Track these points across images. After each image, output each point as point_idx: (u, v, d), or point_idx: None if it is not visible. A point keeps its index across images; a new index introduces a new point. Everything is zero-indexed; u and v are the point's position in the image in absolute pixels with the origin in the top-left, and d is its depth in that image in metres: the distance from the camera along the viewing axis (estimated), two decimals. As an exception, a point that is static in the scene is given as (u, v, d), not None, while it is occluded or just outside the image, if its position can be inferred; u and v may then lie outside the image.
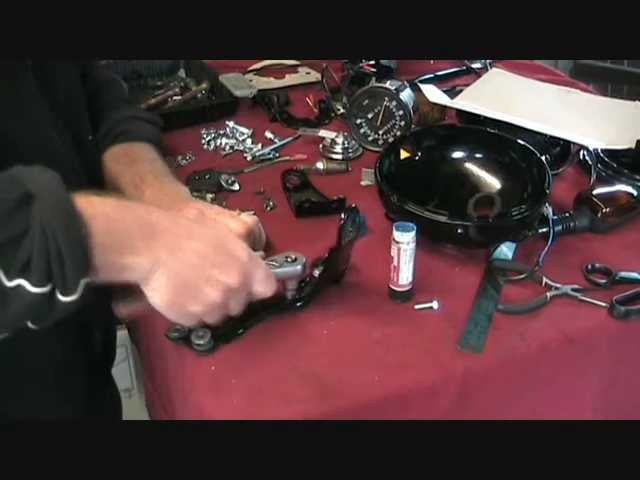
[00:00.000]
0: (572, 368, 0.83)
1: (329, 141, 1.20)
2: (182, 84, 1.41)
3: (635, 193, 1.01)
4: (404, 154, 1.03)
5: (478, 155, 1.05)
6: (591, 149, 1.12)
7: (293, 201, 1.04)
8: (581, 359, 0.84)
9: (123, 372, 1.28)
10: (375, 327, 0.81)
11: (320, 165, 1.13)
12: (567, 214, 0.98)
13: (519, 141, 1.02)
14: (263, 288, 0.73)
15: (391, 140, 1.18)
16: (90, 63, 0.99)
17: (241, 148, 1.22)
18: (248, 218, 0.86)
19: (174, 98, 1.37)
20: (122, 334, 1.10)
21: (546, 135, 1.11)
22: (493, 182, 1.02)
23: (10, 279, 0.56)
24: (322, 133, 1.24)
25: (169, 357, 0.82)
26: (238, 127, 1.27)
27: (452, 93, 1.35)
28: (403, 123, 1.20)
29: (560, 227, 0.96)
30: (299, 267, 0.80)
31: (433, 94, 1.26)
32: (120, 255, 0.62)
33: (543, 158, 0.98)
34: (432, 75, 1.48)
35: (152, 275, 0.64)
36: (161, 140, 0.99)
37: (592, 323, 0.83)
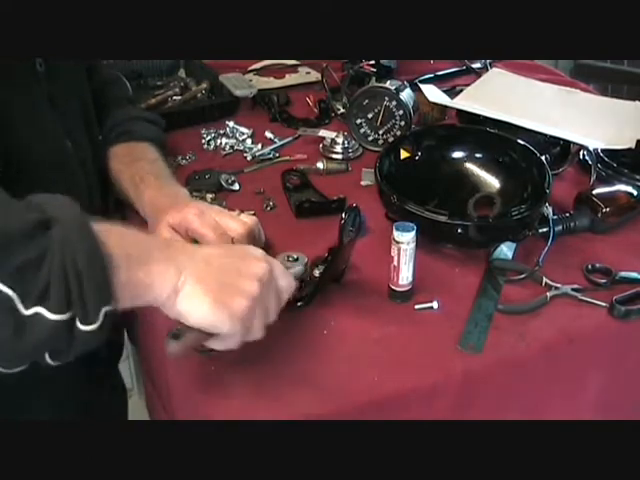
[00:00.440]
0: (572, 368, 0.83)
1: (329, 141, 1.20)
2: (182, 84, 1.41)
3: (635, 193, 1.01)
4: (404, 154, 1.03)
5: (478, 155, 1.05)
6: (591, 149, 1.12)
7: (293, 201, 1.04)
8: (581, 359, 0.84)
9: (123, 372, 1.28)
10: (375, 327, 0.81)
11: (320, 165, 1.13)
12: (567, 214, 0.98)
13: (519, 141, 1.02)
14: (286, 282, 0.71)
15: (391, 140, 1.18)
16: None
17: (241, 148, 1.22)
18: (248, 218, 0.87)
19: (174, 98, 1.37)
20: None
21: (546, 135, 1.11)
22: (493, 182, 1.02)
23: (27, 307, 0.52)
24: (322, 133, 1.24)
25: (168, 358, 0.82)
26: (238, 127, 1.27)
27: (452, 93, 1.35)
28: (403, 123, 1.20)
29: (560, 227, 0.96)
30: (301, 267, 0.80)
31: (433, 94, 1.26)
32: (144, 269, 0.59)
33: (543, 158, 0.98)
34: (432, 75, 1.48)
35: (181, 284, 0.61)
36: (163, 140, 1.00)
37: (592, 323, 0.83)
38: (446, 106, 1.26)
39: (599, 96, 1.38)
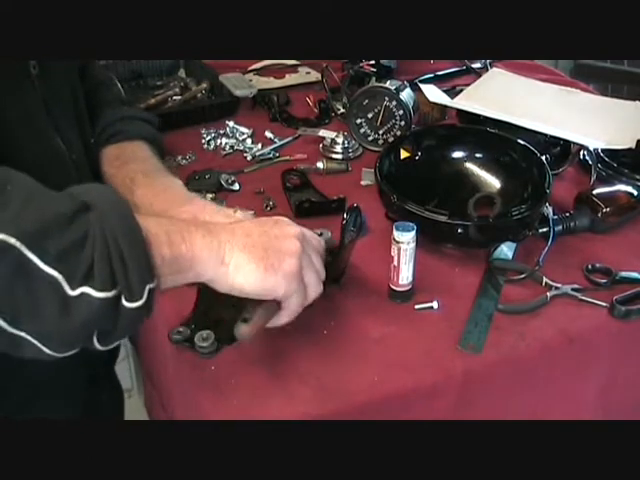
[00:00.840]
0: (572, 368, 0.83)
1: (329, 141, 1.20)
2: (182, 84, 1.41)
3: (635, 193, 1.01)
4: (404, 154, 1.03)
5: (478, 155, 1.05)
6: (591, 149, 1.12)
7: (293, 201, 1.04)
8: (581, 359, 0.84)
9: (123, 372, 1.28)
10: (375, 327, 0.81)
11: (320, 165, 1.13)
12: (567, 214, 0.98)
13: (519, 141, 1.02)
14: (317, 241, 0.73)
15: (391, 140, 1.18)
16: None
17: (241, 148, 1.22)
18: (242, 214, 0.86)
19: (174, 98, 1.37)
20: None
21: (546, 135, 1.11)
22: (493, 182, 1.02)
23: (73, 288, 0.54)
24: (322, 133, 1.24)
25: (169, 357, 0.82)
26: (238, 127, 1.27)
27: (452, 93, 1.35)
28: (403, 123, 1.20)
29: (560, 227, 0.96)
30: (329, 235, 0.82)
31: (433, 94, 1.26)
32: (186, 243, 0.61)
33: (543, 158, 0.98)
34: (432, 75, 1.48)
35: (228, 257, 0.63)
36: (158, 138, 0.98)
37: (592, 323, 0.83)
38: (446, 106, 1.26)
39: (599, 96, 1.38)
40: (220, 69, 1.40)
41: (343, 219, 0.79)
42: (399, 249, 0.81)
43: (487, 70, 1.48)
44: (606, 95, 1.40)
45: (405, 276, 0.83)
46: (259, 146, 1.22)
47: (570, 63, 2.35)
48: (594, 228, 0.98)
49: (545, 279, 0.88)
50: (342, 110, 1.32)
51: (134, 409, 1.21)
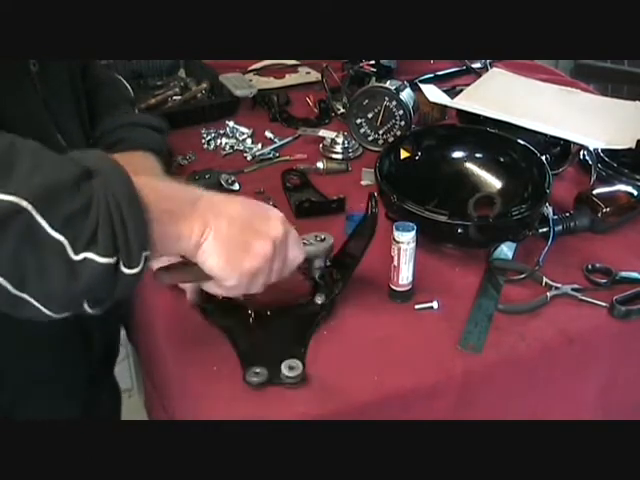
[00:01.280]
0: (572, 368, 0.83)
1: (329, 141, 1.20)
2: (182, 84, 1.41)
3: (635, 193, 1.01)
4: (404, 154, 1.03)
5: (478, 155, 1.05)
6: (591, 149, 1.12)
7: (293, 201, 1.04)
8: (581, 359, 0.84)
9: (123, 372, 1.28)
10: (375, 327, 0.81)
11: (320, 165, 1.13)
12: (567, 214, 0.98)
13: (519, 141, 1.02)
14: (296, 253, 0.73)
15: (391, 140, 1.18)
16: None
17: (241, 148, 1.22)
18: None
19: (174, 98, 1.37)
20: (121, 334, 1.10)
21: (546, 135, 1.11)
22: (493, 182, 1.02)
23: (77, 252, 0.55)
24: (322, 133, 1.24)
25: (168, 357, 0.82)
26: (238, 127, 1.27)
27: (452, 93, 1.35)
28: (403, 123, 1.20)
29: (560, 227, 0.96)
30: (314, 247, 0.80)
31: (433, 94, 1.26)
32: (174, 225, 0.62)
33: (543, 158, 0.98)
34: (432, 75, 1.48)
35: (203, 239, 0.64)
36: (165, 147, 0.96)
37: (592, 323, 0.83)
38: (446, 106, 1.26)
39: (599, 96, 1.38)
40: (220, 69, 1.40)
41: (370, 214, 0.80)
42: (399, 249, 0.81)
43: (487, 70, 1.48)
44: (606, 95, 1.41)
45: (405, 276, 0.83)
46: (259, 146, 1.22)
47: (570, 63, 2.35)
48: (594, 228, 0.98)
49: (545, 279, 0.88)
50: (342, 110, 1.32)
51: (134, 409, 1.21)
